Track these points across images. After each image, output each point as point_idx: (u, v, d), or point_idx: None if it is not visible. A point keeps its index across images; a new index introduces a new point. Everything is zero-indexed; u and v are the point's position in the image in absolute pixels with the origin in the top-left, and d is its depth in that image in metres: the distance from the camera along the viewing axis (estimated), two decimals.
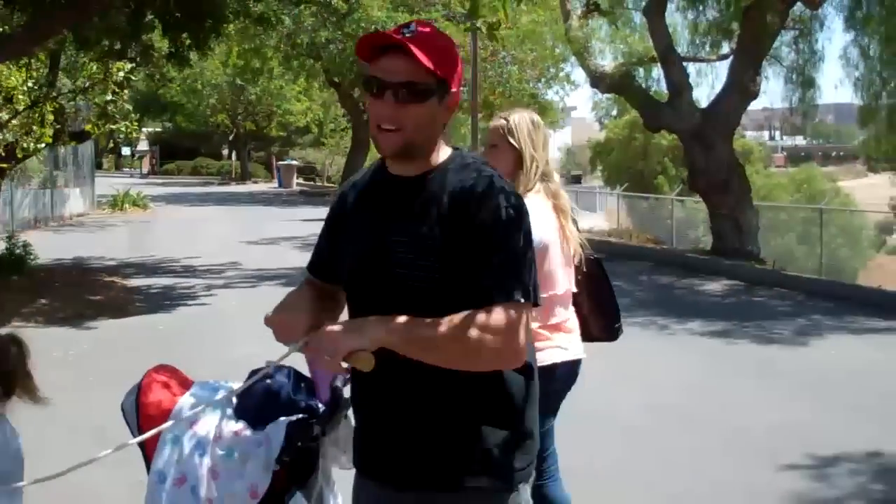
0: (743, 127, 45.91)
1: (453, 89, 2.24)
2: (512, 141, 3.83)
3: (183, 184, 44.92)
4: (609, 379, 8.24)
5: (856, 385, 7.97)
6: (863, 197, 48.01)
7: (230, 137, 51.07)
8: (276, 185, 43.47)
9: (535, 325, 3.70)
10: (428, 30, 2.22)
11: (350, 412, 2.86)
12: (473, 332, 2.07)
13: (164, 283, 13.56)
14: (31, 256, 13.68)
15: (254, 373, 2.84)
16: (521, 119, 3.91)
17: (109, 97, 7.09)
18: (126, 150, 58.41)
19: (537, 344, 3.64)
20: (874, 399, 7.49)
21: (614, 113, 40.05)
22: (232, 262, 15.72)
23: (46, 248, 15.41)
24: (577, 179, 56.95)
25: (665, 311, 11.54)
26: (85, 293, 12.20)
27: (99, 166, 42.71)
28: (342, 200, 2.41)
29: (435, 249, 2.16)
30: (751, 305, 12.25)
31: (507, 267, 2.13)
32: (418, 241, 2.18)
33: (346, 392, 2.79)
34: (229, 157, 54.97)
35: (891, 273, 25.29)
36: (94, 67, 6.58)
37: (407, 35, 2.16)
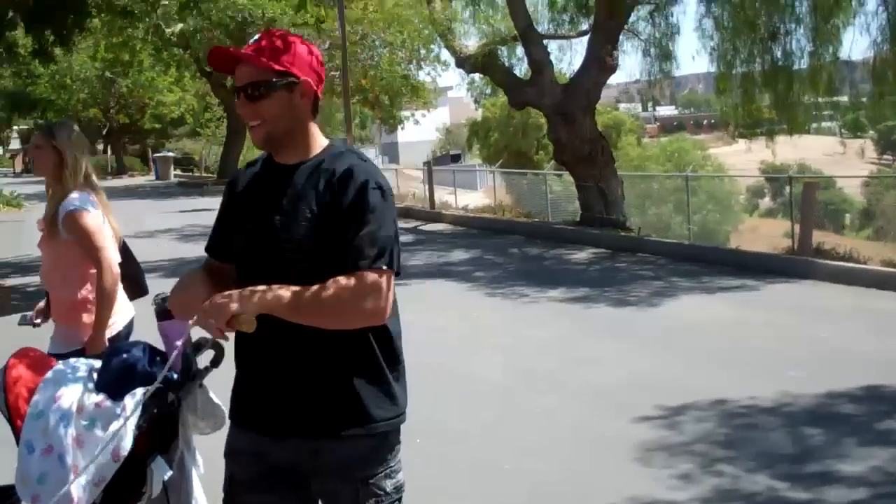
0: (616, 99, 47.15)
1: (302, 78, 2.58)
2: (55, 143, 4.47)
3: None
4: (471, 345, 8.73)
5: (704, 339, 8.59)
6: (735, 162, 49.59)
7: (104, 132, 49.94)
8: (154, 177, 42.78)
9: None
10: (269, 36, 2.59)
11: (204, 382, 3.20)
12: (340, 294, 2.43)
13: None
14: None
15: (113, 349, 3.15)
16: (62, 125, 4.66)
17: None
18: None
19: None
20: (721, 351, 8.11)
21: (488, 91, 40.63)
22: None
23: None
24: (455, 158, 57.50)
25: (531, 280, 12.07)
26: None
27: None
28: (233, 187, 2.75)
29: (312, 227, 2.51)
30: (613, 271, 12.87)
31: (372, 239, 2.47)
32: (298, 219, 2.52)
33: (198, 363, 3.13)
34: (105, 151, 53.68)
35: (763, 235, 26.23)
36: None
37: (249, 45, 2.56)
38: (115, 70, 35.64)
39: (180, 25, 24.86)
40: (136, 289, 4.75)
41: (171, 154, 45.49)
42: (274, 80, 2.55)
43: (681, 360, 7.89)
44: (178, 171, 44.99)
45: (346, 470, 2.58)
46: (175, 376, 3.01)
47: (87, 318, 4.39)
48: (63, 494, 2.83)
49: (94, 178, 4.61)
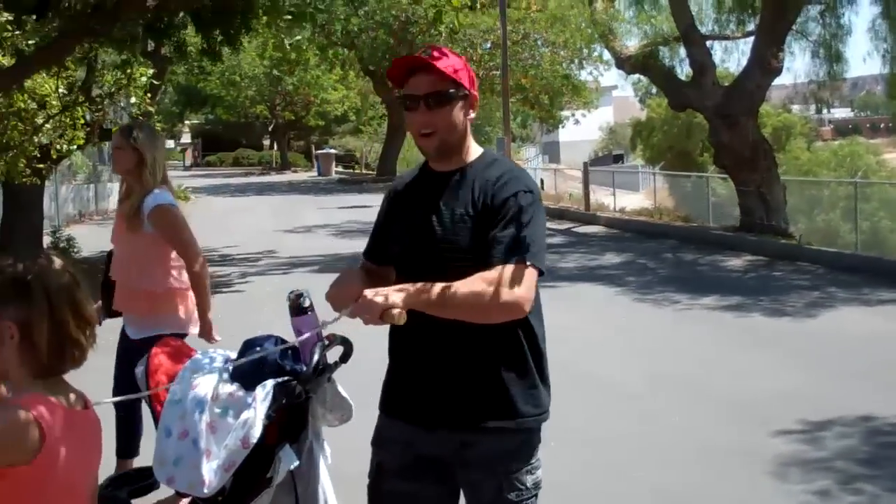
0: (788, 101, 45.54)
1: (473, 92, 2.75)
2: (134, 143, 4.64)
3: (224, 175, 45.57)
4: (615, 350, 8.64)
5: (856, 353, 8.25)
6: None
7: (270, 128, 51.67)
8: (316, 173, 43.96)
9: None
10: (440, 50, 2.73)
11: (333, 376, 3.31)
12: (482, 287, 2.55)
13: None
14: (75, 250, 14.22)
15: (249, 342, 3.28)
16: (142, 127, 4.82)
17: (133, 100, 7.58)
18: (170, 143, 59.29)
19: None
20: (872, 366, 7.78)
21: (654, 91, 39.89)
22: (268, 250, 16.21)
23: (90, 241, 15.97)
24: (618, 158, 56.76)
25: (683, 287, 11.84)
26: None
27: None
28: (391, 196, 2.94)
29: (469, 230, 2.65)
30: (769, 280, 12.49)
31: (517, 237, 2.60)
32: (455, 221, 2.68)
33: (328, 357, 3.23)
34: (270, 147, 55.54)
35: None
36: (119, 73, 7.06)
37: (426, 56, 2.69)
38: (282, 68, 36.80)
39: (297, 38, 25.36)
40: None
41: (332, 151, 46.62)
42: (452, 90, 2.70)
43: (830, 373, 7.63)
44: (340, 168, 46.10)
45: (492, 463, 2.68)
46: (304, 369, 3.11)
47: (174, 307, 4.66)
48: (196, 477, 2.97)
49: (169, 178, 4.87)
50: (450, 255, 2.67)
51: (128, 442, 4.84)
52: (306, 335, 3.17)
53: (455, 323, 2.61)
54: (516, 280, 2.56)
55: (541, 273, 2.65)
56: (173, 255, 4.72)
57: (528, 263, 2.58)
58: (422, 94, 2.69)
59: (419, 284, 2.57)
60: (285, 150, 51.89)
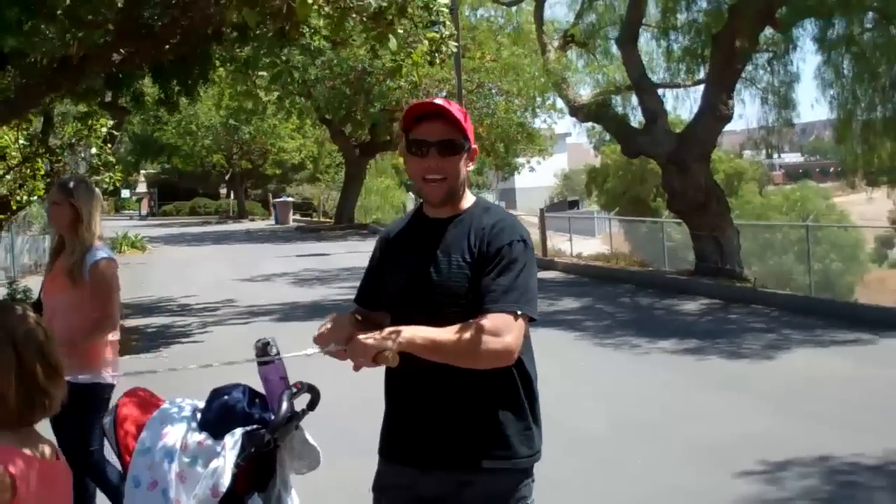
0: (740, 147, 46.28)
1: (473, 145, 2.86)
2: (72, 200, 4.76)
3: (181, 224, 45.32)
4: (576, 395, 8.68)
5: (815, 394, 8.38)
6: (863, 211, 47.97)
7: (227, 177, 51.54)
8: (273, 221, 43.89)
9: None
10: (449, 102, 2.83)
11: (301, 424, 3.34)
12: (473, 334, 2.63)
13: (160, 323, 13.98)
14: (31, 300, 14.08)
15: (216, 392, 3.31)
16: (79, 183, 4.92)
17: (94, 151, 7.60)
18: (126, 193, 58.88)
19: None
20: (831, 406, 7.90)
21: (607, 138, 40.36)
22: (227, 299, 16.14)
23: None
24: (573, 204, 57.25)
25: (640, 331, 11.95)
26: None
27: None
28: (385, 242, 3.01)
29: (464, 275, 2.74)
30: (725, 322, 12.65)
31: (509, 285, 2.69)
32: (451, 269, 2.75)
33: (296, 406, 3.26)
34: (227, 195, 55.39)
35: (891, 286, 25.28)
36: (79, 125, 7.09)
37: (441, 104, 2.79)
38: (239, 118, 36.84)
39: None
40: None
41: (290, 199, 46.60)
42: (461, 141, 2.80)
43: (789, 414, 7.73)
44: (298, 216, 46.05)
45: (489, 503, 2.75)
46: (272, 418, 3.14)
47: (109, 356, 4.77)
48: None
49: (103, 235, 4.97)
50: (446, 301, 2.74)
51: (107, 490, 4.81)
52: (275, 385, 3.21)
53: (449, 365, 2.67)
54: (506, 329, 2.64)
55: (532, 320, 2.74)
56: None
57: (518, 313, 2.67)
58: (434, 141, 2.77)
59: (411, 328, 2.63)
60: (242, 198, 51.78)
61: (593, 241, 30.12)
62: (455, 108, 2.79)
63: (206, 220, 48.99)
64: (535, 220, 25.74)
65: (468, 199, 2.90)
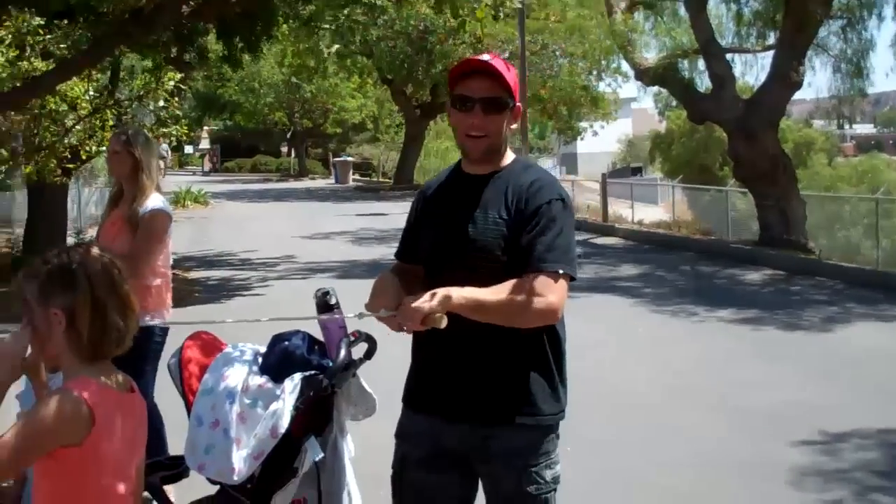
0: (809, 116, 45.27)
1: (518, 103, 2.85)
2: (131, 150, 4.83)
3: (243, 180, 45.80)
4: (630, 360, 8.67)
5: (873, 367, 8.25)
6: None
7: (288, 135, 51.83)
8: (333, 181, 44.10)
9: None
10: (497, 59, 2.82)
11: (357, 371, 3.38)
12: (518, 294, 2.65)
13: (221, 275, 14.20)
14: None
15: (277, 337, 3.36)
16: (137, 133, 5.01)
17: (161, 104, 7.70)
18: (189, 149, 59.52)
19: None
20: (889, 380, 7.78)
21: (674, 104, 39.64)
22: (286, 255, 16.31)
23: None
24: (636, 171, 56.59)
25: (699, 299, 11.84)
26: None
27: None
28: (423, 197, 3.03)
29: (500, 233, 2.74)
30: (787, 294, 12.48)
31: (551, 244, 2.71)
32: (488, 225, 2.76)
33: (353, 354, 3.31)
34: (288, 154, 55.72)
35: None
36: (148, 77, 7.18)
37: (487, 61, 2.78)
38: (301, 76, 36.98)
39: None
40: None
41: (350, 158, 46.72)
42: (506, 98, 2.79)
43: (847, 386, 7.64)
44: (357, 176, 46.22)
45: (512, 457, 2.78)
46: (330, 364, 3.19)
47: (161, 300, 4.90)
48: (226, 465, 3.06)
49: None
50: (480, 256, 2.75)
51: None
52: (334, 333, 3.26)
53: (480, 322, 2.68)
54: (550, 288, 2.67)
55: (572, 279, 2.75)
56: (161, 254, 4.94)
57: (560, 272, 2.68)
58: (478, 98, 2.78)
59: (457, 289, 2.64)
60: (303, 157, 52.04)
61: (656, 208, 29.75)
62: (501, 65, 2.78)
63: (266, 177, 49.41)
64: (596, 186, 25.53)
65: (508, 157, 2.90)
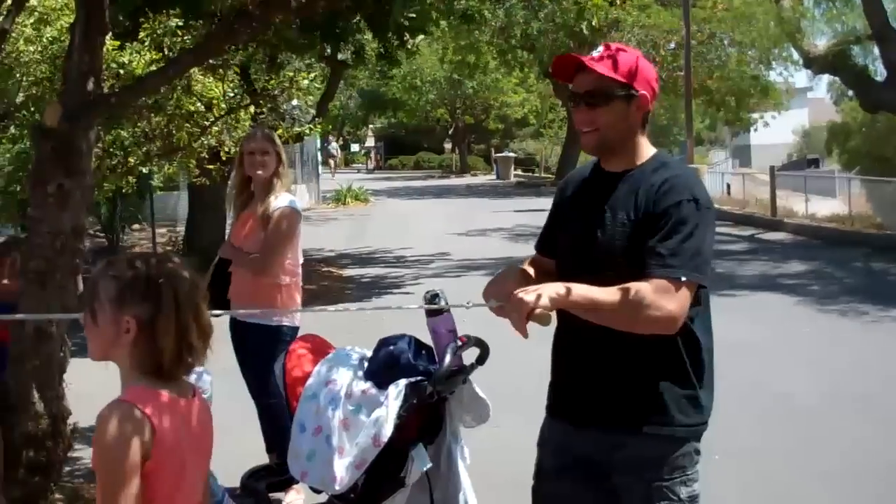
0: None
1: (640, 92, 2.66)
2: (277, 149, 4.93)
3: (405, 177, 46.38)
4: (790, 362, 8.22)
5: None
6: None
7: (450, 131, 52.26)
8: (494, 177, 44.16)
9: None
10: (612, 48, 2.69)
11: (470, 377, 3.25)
12: (634, 299, 2.49)
13: (375, 273, 14.34)
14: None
15: (383, 341, 3.27)
16: (272, 132, 5.14)
17: (295, 103, 7.80)
18: (355, 147, 60.83)
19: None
20: None
21: (851, 94, 37.76)
22: (441, 252, 16.34)
23: None
24: (812, 163, 54.31)
25: (871, 298, 11.12)
26: (302, 283, 13.09)
27: (326, 163, 44.82)
28: (562, 192, 2.93)
29: (626, 234, 2.61)
30: None
31: (676, 249, 2.54)
32: (615, 225, 2.64)
33: (464, 359, 3.18)
34: (452, 150, 56.21)
35: None
36: (282, 75, 7.29)
37: (591, 55, 2.68)
38: (462, 72, 37.17)
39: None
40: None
41: (511, 154, 46.62)
42: (613, 90, 2.65)
43: None
44: (519, 171, 46.08)
45: (642, 468, 2.63)
46: (435, 370, 3.07)
47: (293, 300, 4.90)
48: (328, 473, 2.99)
49: None
50: (605, 259, 2.63)
51: (272, 436, 4.91)
52: (444, 337, 3.14)
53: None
54: (668, 296, 2.50)
55: (701, 286, 2.58)
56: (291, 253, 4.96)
57: (683, 279, 2.51)
58: (581, 92, 2.68)
59: (569, 286, 2.52)
60: (465, 153, 52.33)
61: (833, 201, 28.40)
62: (606, 57, 2.65)
63: (428, 174, 49.92)
64: (766, 178, 24.49)
65: (645, 153, 2.73)
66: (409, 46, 12.60)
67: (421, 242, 17.72)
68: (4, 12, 4.04)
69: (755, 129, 37.06)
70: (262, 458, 4.87)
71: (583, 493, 2.73)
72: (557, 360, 2.82)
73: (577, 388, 2.72)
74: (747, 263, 14.57)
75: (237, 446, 5.26)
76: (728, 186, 28.09)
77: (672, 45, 30.99)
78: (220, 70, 5.96)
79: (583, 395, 2.70)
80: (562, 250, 2.80)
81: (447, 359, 3.04)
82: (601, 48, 2.70)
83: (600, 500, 2.75)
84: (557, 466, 2.76)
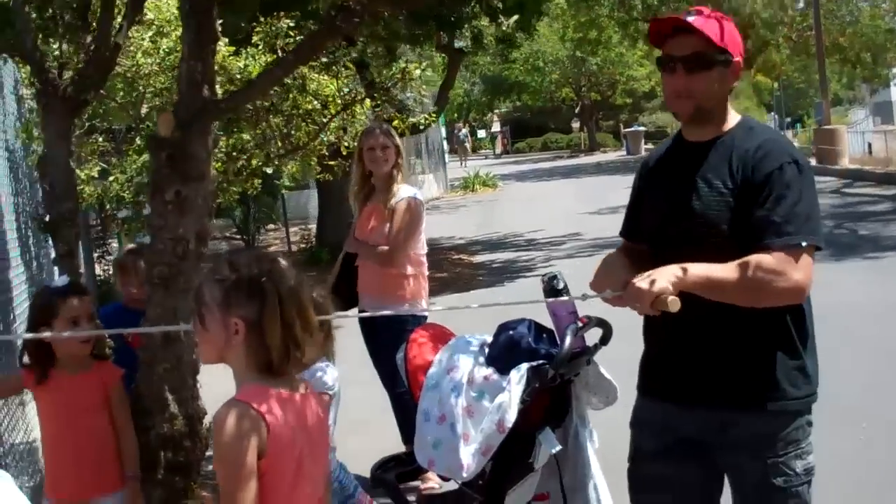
0: None
1: (735, 58, 2.59)
2: (396, 143, 5.00)
3: (533, 160, 46.15)
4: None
5: None
6: None
7: (576, 110, 51.77)
8: (625, 152, 43.52)
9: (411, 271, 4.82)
10: (706, 12, 2.61)
11: (594, 358, 3.19)
12: (758, 272, 2.42)
13: (506, 258, 14.30)
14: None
15: (502, 326, 3.24)
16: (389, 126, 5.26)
17: (409, 94, 7.84)
18: (481, 133, 60.94)
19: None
20: None
21: None
22: (573, 232, 16.18)
23: None
24: None
25: None
26: (434, 271, 13.19)
27: (453, 151, 45.06)
28: (645, 170, 2.85)
29: (726, 204, 2.53)
30: None
31: (788, 215, 2.45)
32: (712, 196, 2.54)
33: (587, 340, 3.12)
34: (580, 129, 55.67)
35: None
36: (395, 68, 7.33)
37: (689, 18, 2.57)
38: (584, 49, 36.74)
39: None
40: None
41: (641, 128, 45.78)
42: (713, 55, 2.56)
43: None
44: (650, 145, 45.28)
45: (755, 446, 2.56)
46: (556, 352, 3.03)
47: (419, 290, 4.93)
48: (455, 461, 2.98)
49: None
50: (706, 231, 2.54)
51: (406, 426, 4.93)
52: (564, 319, 3.09)
53: (713, 301, 2.47)
54: (794, 265, 2.42)
55: (818, 248, 2.49)
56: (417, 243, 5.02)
57: (803, 245, 2.43)
58: (680, 57, 2.57)
59: (685, 267, 2.44)
60: (593, 131, 51.75)
61: None
62: (708, 21, 2.54)
63: (557, 154, 49.59)
64: None
65: (731, 119, 2.65)
66: (529, 28, 12.50)
67: (551, 224, 17.58)
68: (117, 27, 4.18)
69: (895, 84, 35.41)
70: (398, 449, 4.91)
71: (688, 474, 2.66)
72: (654, 338, 2.72)
73: (678, 367, 2.62)
74: (892, 224, 13.94)
75: (374, 439, 5.34)
76: (869, 145, 26.99)
77: (801, 4, 29.93)
78: (334, 67, 6.03)
79: (686, 373, 2.60)
80: (652, 229, 2.70)
81: (568, 341, 2.99)
82: (695, 12, 2.59)
83: (707, 478, 2.68)
84: (658, 448, 2.68)
